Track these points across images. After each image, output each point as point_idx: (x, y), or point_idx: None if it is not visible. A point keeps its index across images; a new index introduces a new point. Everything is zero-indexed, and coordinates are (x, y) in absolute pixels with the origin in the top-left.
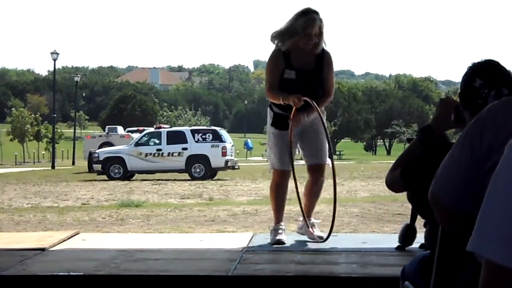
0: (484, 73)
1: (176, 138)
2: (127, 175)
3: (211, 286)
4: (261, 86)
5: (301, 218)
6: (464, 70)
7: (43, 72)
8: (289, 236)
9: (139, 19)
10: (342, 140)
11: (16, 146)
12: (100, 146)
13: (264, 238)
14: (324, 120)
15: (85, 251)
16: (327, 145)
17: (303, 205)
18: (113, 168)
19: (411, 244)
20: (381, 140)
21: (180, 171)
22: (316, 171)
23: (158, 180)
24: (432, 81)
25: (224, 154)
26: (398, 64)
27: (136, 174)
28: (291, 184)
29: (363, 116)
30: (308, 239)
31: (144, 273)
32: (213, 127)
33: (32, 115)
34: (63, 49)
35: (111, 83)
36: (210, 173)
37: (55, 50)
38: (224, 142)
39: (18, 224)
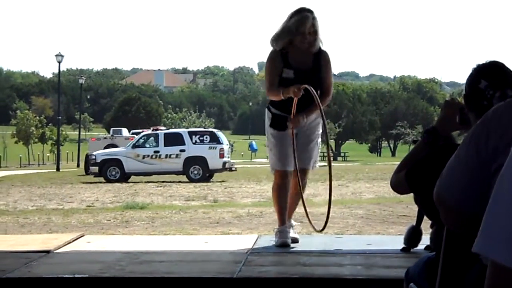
0: (489, 74)
1: (173, 140)
2: (125, 177)
3: None
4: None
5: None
6: (468, 71)
7: (48, 75)
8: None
9: (144, 21)
10: (347, 141)
11: (21, 148)
12: (105, 148)
13: (269, 240)
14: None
15: (90, 253)
16: (316, 151)
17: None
18: (110, 170)
19: (416, 246)
20: (386, 142)
21: (177, 173)
22: (300, 174)
23: (163, 182)
24: (437, 83)
25: (221, 155)
26: (402, 65)
27: (133, 176)
28: None
29: (367, 117)
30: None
31: (149, 275)
32: (210, 129)
33: (37, 118)
34: (67, 51)
35: (116, 85)
36: (207, 175)
37: (59, 53)
38: (222, 143)
39: (23, 226)
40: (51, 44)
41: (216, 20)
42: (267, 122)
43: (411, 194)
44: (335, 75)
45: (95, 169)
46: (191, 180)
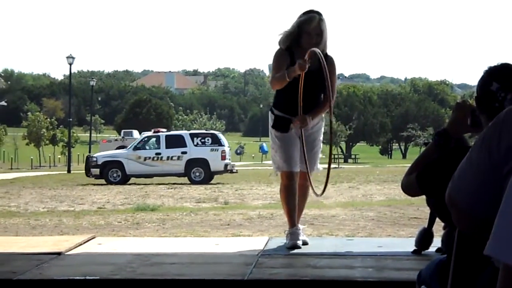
0: (500, 76)
1: (175, 142)
2: (126, 180)
3: None
4: None
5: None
6: (479, 73)
7: (59, 77)
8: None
9: (155, 23)
10: (358, 143)
11: (32, 150)
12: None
13: (280, 242)
14: (332, 109)
15: (101, 255)
16: (318, 156)
17: None
18: (111, 173)
19: (427, 248)
20: (397, 144)
21: (179, 175)
22: (301, 179)
23: (174, 184)
24: (448, 85)
25: (223, 157)
26: (413, 67)
27: (135, 178)
28: None
29: (378, 119)
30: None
31: (160, 277)
32: (211, 131)
33: (48, 119)
34: (78, 53)
35: (127, 87)
36: (210, 177)
37: (70, 55)
38: (223, 145)
39: (34, 228)
40: (62, 46)
41: (227, 22)
42: (270, 123)
43: (422, 196)
44: (345, 77)
45: (96, 171)
46: (193, 182)
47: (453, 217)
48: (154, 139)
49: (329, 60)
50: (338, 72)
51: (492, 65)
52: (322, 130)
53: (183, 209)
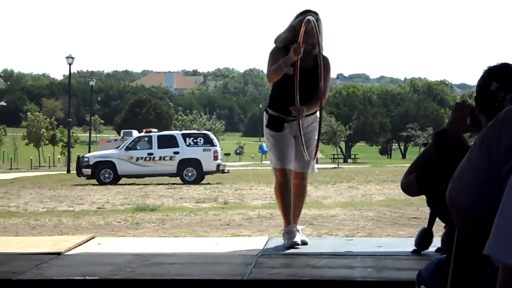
0: (500, 76)
1: (167, 142)
2: (117, 180)
3: None
4: None
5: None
6: (479, 73)
7: (59, 77)
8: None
9: (154, 23)
10: (357, 143)
11: (31, 150)
12: None
13: (279, 242)
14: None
15: (101, 255)
16: (314, 154)
17: None
18: (103, 173)
19: (427, 248)
20: (396, 144)
21: (171, 175)
22: (298, 179)
23: (173, 184)
24: (447, 85)
25: (215, 158)
26: (413, 67)
27: (124, 179)
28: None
29: (378, 119)
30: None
31: (159, 277)
32: (204, 131)
33: (48, 119)
34: (78, 53)
35: (126, 87)
36: (201, 177)
37: (70, 55)
38: (215, 146)
39: (33, 228)
40: (61, 46)
41: (226, 22)
42: (264, 123)
43: (422, 196)
44: (345, 77)
45: (87, 171)
46: (185, 182)
47: (453, 217)
48: (146, 139)
49: (325, 59)
50: (338, 72)
51: (492, 65)
52: (316, 131)
53: (183, 209)
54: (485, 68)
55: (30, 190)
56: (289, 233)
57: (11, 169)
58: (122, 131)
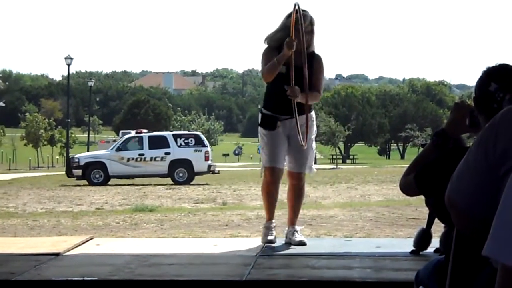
0: (499, 77)
1: (158, 143)
2: (108, 181)
3: None
4: None
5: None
6: (477, 74)
7: (57, 77)
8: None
9: (153, 24)
10: (356, 144)
11: (30, 151)
12: None
13: (278, 242)
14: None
15: (99, 256)
16: (311, 155)
17: (288, 212)
18: (94, 174)
19: (425, 248)
20: (395, 144)
21: (162, 175)
22: (295, 179)
23: (172, 184)
24: (446, 85)
25: (207, 158)
26: (411, 68)
27: (115, 179)
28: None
29: (377, 120)
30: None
31: (158, 278)
32: (195, 132)
33: (46, 120)
34: (77, 54)
35: (125, 87)
36: (193, 177)
37: (69, 55)
38: (206, 146)
39: (32, 229)
40: (60, 47)
41: (225, 22)
42: (259, 122)
43: (421, 197)
44: (344, 78)
45: (78, 172)
46: (176, 183)
47: (453, 217)
48: (136, 140)
49: (317, 58)
50: (336, 72)
51: (491, 65)
52: (314, 129)
53: (182, 209)
54: (484, 68)
55: (28, 191)
56: (267, 228)
57: (9, 169)
58: (121, 131)
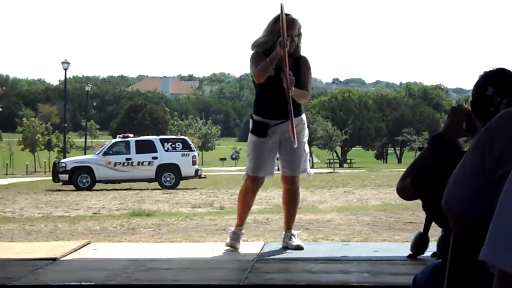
0: (496, 81)
1: (145, 147)
2: (95, 185)
3: None
4: None
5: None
6: (475, 78)
7: (54, 82)
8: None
9: (150, 28)
10: (353, 148)
11: (27, 155)
12: None
13: (275, 247)
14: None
15: (97, 261)
16: (305, 158)
17: (284, 216)
18: (80, 178)
19: (423, 253)
20: (392, 148)
21: (149, 180)
22: (288, 183)
23: (169, 189)
24: (443, 89)
25: (194, 163)
26: (408, 72)
27: (100, 184)
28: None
29: (374, 124)
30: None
31: (155, 282)
32: (182, 136)
33: (43, 125)
34: (74, 58)
35: (122, 92)
36: (180, 182)
37: (66, 60)
38: (194, 151)
39: (29, 234)
40: (57, 52)
41: (222, 27)
42: (250, 129)
43: (418, 201)
44: (341, 82)
45: (64, 177)
46: (163, 187)
47: (450, 222)
48: (123, 144)
49: (304, 60)
50: (333, 76)
51: (488, 70)
52: (306, 132)
53: (179, 214)
54: (481, 73)
55: (25, 196)
56: (235, 233)
57: (6, 174)
58: (118, 136)
